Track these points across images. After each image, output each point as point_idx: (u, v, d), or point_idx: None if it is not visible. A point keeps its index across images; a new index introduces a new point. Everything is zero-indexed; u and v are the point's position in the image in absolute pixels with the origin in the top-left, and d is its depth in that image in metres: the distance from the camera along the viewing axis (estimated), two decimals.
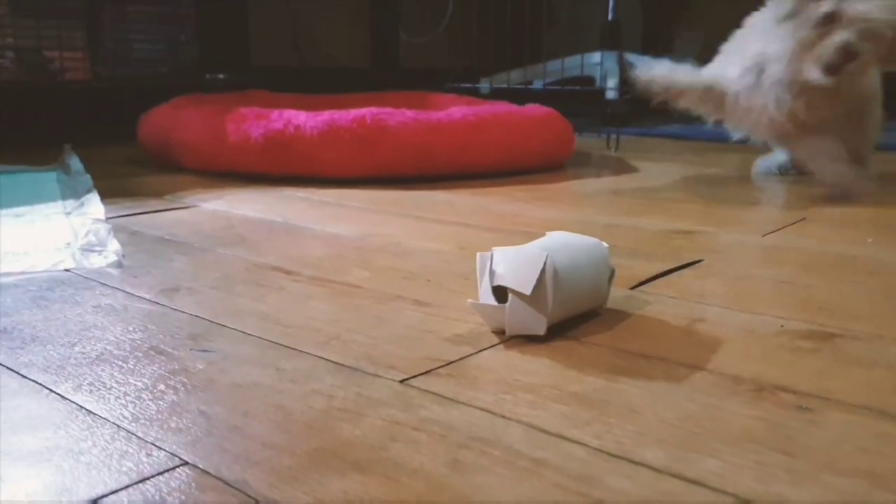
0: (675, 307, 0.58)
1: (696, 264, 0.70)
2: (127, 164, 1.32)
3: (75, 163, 1.17)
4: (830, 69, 0.94)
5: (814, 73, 0.95)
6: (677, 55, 2.57)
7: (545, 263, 0.50)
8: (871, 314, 0.56)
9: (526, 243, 0.54)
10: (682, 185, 1.16)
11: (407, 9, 2.42)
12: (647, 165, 1.38)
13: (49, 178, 1.11)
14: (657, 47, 2.48)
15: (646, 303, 0.59)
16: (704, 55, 2.58)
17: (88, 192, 0.97)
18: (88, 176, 1.07)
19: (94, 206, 0.90)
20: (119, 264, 0.68)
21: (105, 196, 0.99)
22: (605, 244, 0.56)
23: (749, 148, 1.28)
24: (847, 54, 0.93)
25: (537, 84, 2.09)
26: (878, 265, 0.70)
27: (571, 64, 2.08)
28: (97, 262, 0.69)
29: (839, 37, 0.93)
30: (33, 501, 0.32)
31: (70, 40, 1.64)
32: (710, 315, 0.56)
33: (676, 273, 0.67)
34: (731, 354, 0.49)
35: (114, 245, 0.73)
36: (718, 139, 1.71)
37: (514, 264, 0.51)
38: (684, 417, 0.40)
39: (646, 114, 2.26)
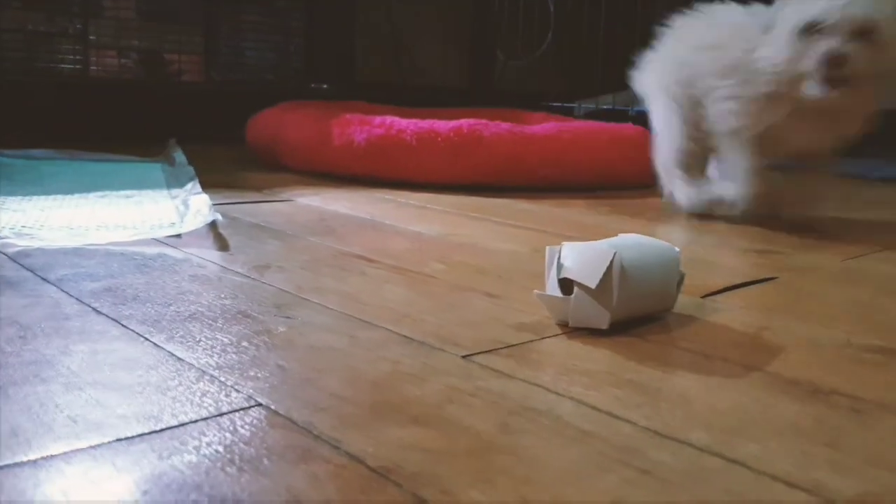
0: (743, 316, 0.59)
1: (771, 280, 0.70)
2: (232, 163, 1.39)
3: (179, 155, 1.25)
4: (826, 83, 0.84)
5: (812, 90, 0.85)
6: None
7: (612, 259, 0.52)
8: None
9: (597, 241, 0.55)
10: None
11: (506, 31, 2.46)
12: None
13: (155, 168, 1.19)
14: None
15: (715, 311, 0.60)
16: None
17: (191, 180, 1.04)
18: (192, 168, 1.13)
19: (197, 191, 0.96)
20: (214, 224, 0.73)
21: (207, 187, 1.05)
22: (676, 248, 0.58)
23: (853, 181, 1.25)
24: (835, 61, 0.83)
25: (636, 108, 2.09)
26: None
27: None
28: (197, 222, 0.74)
29: (822, 45, 0.84)
30: (124, 422, 0.36)
31: (189, 45, 1.75)
32: (776, 325, 0.57)
33: (750, 287, 0.68)
34: (793, 360, 0.49)
35: (214, 214, 0.78)
36: None
37: (582, 258, 0.53)
38: (734, 408, 0.41)
39: None
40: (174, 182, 1.05)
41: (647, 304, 0.55)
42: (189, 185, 1.00)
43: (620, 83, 2.42)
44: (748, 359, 0.49)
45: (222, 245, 0.74)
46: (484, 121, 1.22)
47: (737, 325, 0.56)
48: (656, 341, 0.52)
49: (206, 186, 1.04)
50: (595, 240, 0.56)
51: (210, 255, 0.69)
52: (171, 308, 0.54)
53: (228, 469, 0.33)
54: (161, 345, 0.47)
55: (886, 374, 0.47)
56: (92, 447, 0.34)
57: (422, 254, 0.75)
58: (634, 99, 2.10)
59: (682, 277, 0.58)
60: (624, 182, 1.29)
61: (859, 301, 0.65)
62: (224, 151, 1.54)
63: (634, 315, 0.55)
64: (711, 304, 0.62)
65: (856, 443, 0.38)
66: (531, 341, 0.50)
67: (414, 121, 1.23)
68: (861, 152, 2.05)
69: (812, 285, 0.69)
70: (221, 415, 0.38)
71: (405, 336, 0.50)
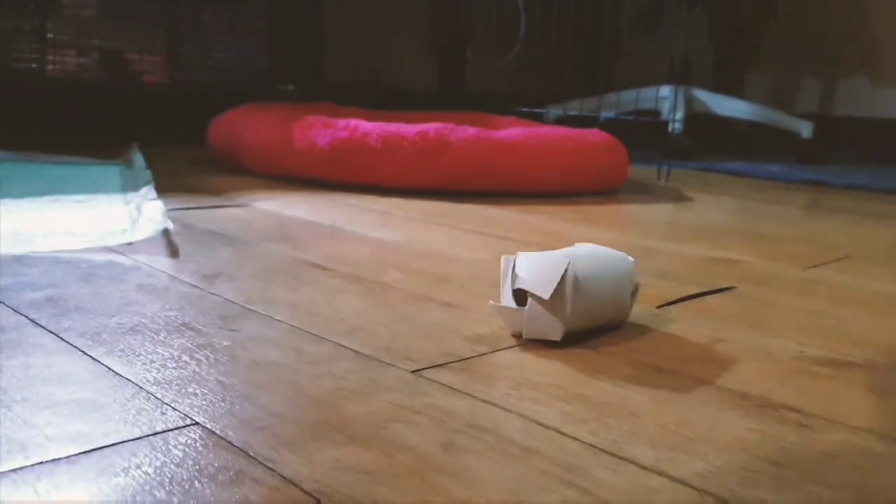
0: (698, 327, 0.58)
1: (729, 290, 0.70)
2: (192, 165, 1.37)
3: (138, 159, 1.23)
4: None
5: None
6: (747, 95, 2.55)
7: (566, 270, 0.51)
8: None
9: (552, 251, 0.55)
10: (733, 217, 1.15)
11: (477, 34, 2.46)
12: (702, 197, 1.37)
13: (113, 171, 1.17)
14: (727, 85, 2.46)
15: (669, 321, 0.59)
16: (774, 96, 2.55)
17: (147, 185, 1.02)
18: (149, 172, 1.11)
19: (152, 196, 0.94)
20: (166, 232, 0.71)
21: (164, 191, 1.03)
22: (630, 258, 0.57)
23: (820, 188, 1.26)
24: None
25: (605, 114, 2.10)
26: None
27: (638, 96, 2.08)
28: (149, 229, 0.72)
29: None
30: (52, 442, 0.35)
31: (151, 44, 1.72)
32: (730, 337, 0.56)
33: (707, 297, 0.67)
34: (744, 373, 0.49)
35: (166, 221, 0.77)
36: (781, 178, 1.69)
37: (537, 269, 0.52)
38: (681, 423, 0.41)
39: (709, 150, 2.24)
40: (130, 186, 1.03)
41: (601, 315, 0.55)
42: (144, 190, 0.98)
43: (588, 89, 2.43)
44: (699, 372, 0.49)
45: (173, 252, 0.72)
46: (451, 125, 1.21)
47: (690, 337, 0.56)
48: (608, 353, 0.51)
49: (164, 190, 1.03)
50: (559, 247, 0.56)
51: (160, 264, 0.68)
52: (114, 320, 0.52)
53: (157, 493, 0.31)
54: (99, 359, 0.45)
55: (835, 387, 0.47)
56: (13, 471, 0.32)
57: (381, 262, 0.73)
58: (602, 105, 2.11)
59: (636, 288, 0.57)
60: (589, 188, 1.29)
61: (814, 311, 0.65)
62: (187, 153, 1.52)
63: (588, 326, 0.54)
64: (666, 315, 0.61)
65: (801, 460, 0.37)
66: (484, 354, 0.50)
67: (379, 124, 1.21)
68: (826, 159, 2.07)
69: (769, 295, 0.69)
70: (155, 434, 0.36)
71: (354, 350, 0.49)
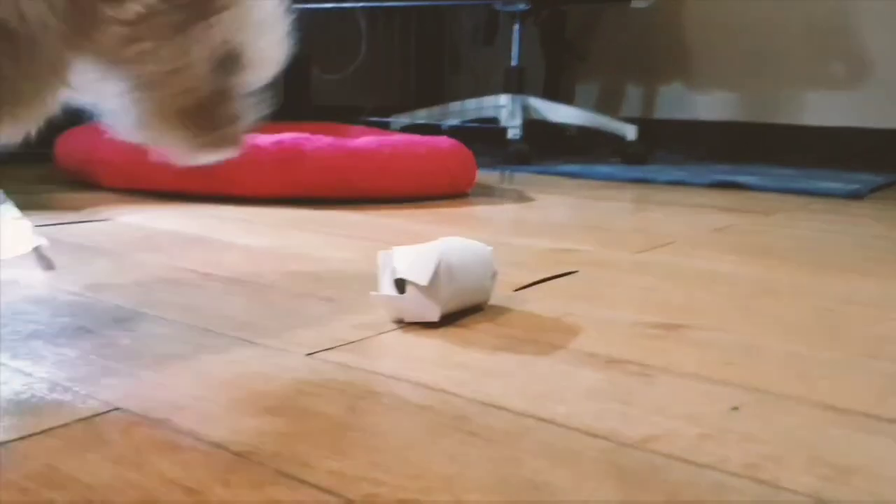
0: (549, 305, 0.66)
1: (573, 274, 0.79)
2: (40, 183, 1.34)
3: None
4: None
5: None
6: (577, 102, 2.72)
7: (440, 259, 0.58)
8: (715, 313, 0.66)
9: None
10: (572, 213, 1.27)
11: (321, 46, 2.50)
12: (543, 197, 1.48)
13: None
14: (558, 94, 2.63)
15: (525, 301, 0.67)
16: (601, 103, 2.73)
17: (2, 203, 1.00)
18: (0, 190, 1.09)
19: (12, 212, 0.93)
20: (45, 259, 0.72)
21: (22, 209, 1.02)
22: (489, 247, 0.65)
23: (646, 185, 1.39)
24: None
25: (447, 122, 2.20)
26: (731, 278, 0.80)
27: (478, 105, 2.19)
28: (23, 247, 0.73)
29: None
30: None
31: None
32: (577, 311, 0.65)
33: (554, 281, 0.76)
34: (590, 339, 0.57)
35: (38, 238, 0.77)
36: (611, 178, 1.84)
37: (413, 260, 0.58)
38: (544, 378, 0.48)
39: (545, 154, 2.39)
40: None
41: (470, 298, 0.62)
42: (2, 208, 0.96)
43: (431, 99, 2.52)
44: (554, 339, 0.56)
45: (48, 265, 0.73)
46: (305, 134, 1.26)
47: (544, 313, 0.64)
48: (478, 329, 0.58)
49: (22, 208, 1.01)
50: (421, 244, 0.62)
51: (37, 277, 0.69)
52: (8, 328, 0.54)
53: (103, 464, 0.35)
54: (6, 362, 0.47)
55: (667, 344, 0.56)
56: None
57: (256, 265, 0.77)
58: (446, 114, 2.21)
59: (495, 273, 0.65)
60: (441, 192, 1.37)
61: (646, 287, 0.75)
62: (30, 171, 1.47)
63: (459, 307, 0.61)
64: (522, 296, 0.69)
65: (643, 399, 0.46)
66: (370, 337, 0.55)
67: None
68: (649, 159, 2.26)
69: (608, 276, 0.79)
70: (81, 420, 0.40)
71: (249, 341, 0.54)
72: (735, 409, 0.45)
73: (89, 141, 1.30)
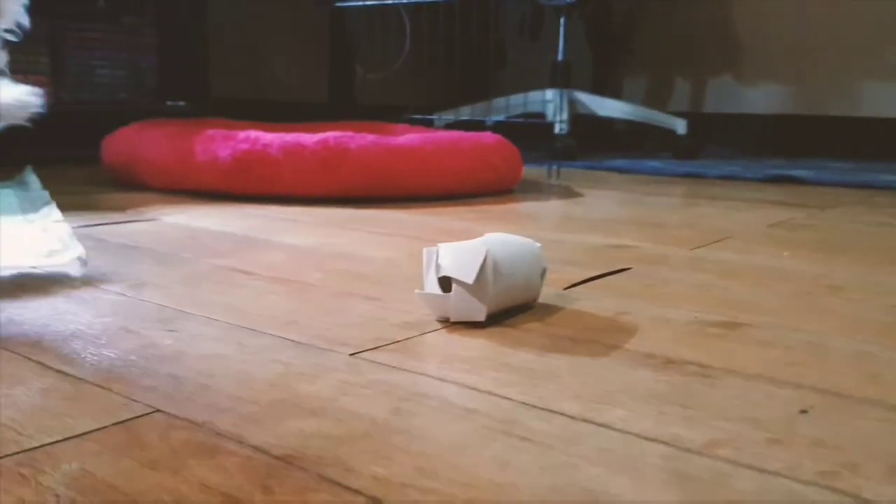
0: (602, 303, 0.64)
1: (626, 271, 0.76)
2: (88, 184, 1.35)
3: (33, 180, 1.20)
4: None
5: None
6: (625, 96, 2.68)
7: (486, 256, 0.55)
8: (776, 310, 0.63)
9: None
10: (622, 209, 1.23)
11: (364, 45, 2.50)
12: (591, 193, 1.45)
13: (7, 193, 1.15)
14: (606, 87, 2.59)
15: (576, 300, 0.65)
16: (649, 96, 2.69)
17: (46, 204, 1.01)
18: (46, 192, 1.10)
19: (54, 215, 0.93)
20: (83, 262, 0.72)
21: (66, 210, 1.02)
22: (537, 243, 0.62)
23: (698, 179, 1.36)
24: None
25: (492, 118, 2.18)
26: (790, 274, 0.77)
27: (524, 100, 2.17)
28: (60, 260, 0.73)
29: None
30: (27, 438, 0.37)
31: (33, 64, 1.68)
32: (632, 309, 0.62)
33: (607, 278, 0.73)
34: (648, 338, 0.55)
35: (76, 245, 0.77)
36: (661, 173, 1.80)
37: (458, 257, 0.56)
38: (599, 380, 0.46)
39: (593, 149, 2.35)
40: (29, 207, 1.02)
41: (517, 296, 0.60)
42: (45, 210, 0.97)
43: (476, 95, 2.50)
44: (609, 339, 0.54)
45: (92, 265, 0.73)
46: (349, 133, 1.25)
47: (597, 311, 0.61)
48: (527, 329, 0.56)
49: (66, 209, 1.02)
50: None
51: (81, 278, 0.68)
52: (50, 328, 0.53)
53: (139, 469, 0.34)
54: (46, 363, 0.47)
55: (728, 344, 0.54)
56: (5, 457, 0.34)
57: (299, 264, 0.76)
58: (491, 109, 2.19)
59: (544, 270, 0.62)
60: (486, 189, 1.35)
61: (703, 284, 0.72)
62: (79, 173, 1.49)
63: (507, 306, 0.59)
64: (573, 295, 0.67)
65: (705, 402, 0.43)
66: (414, 337, 0.54)
67: (279, 134, 1.24)
68: (699, 153, 2.21)
69: (663, 273, 0.76)
70: (124, 422, 0.39)
71: (292, 340, 0.52)
72: (804, 412, 0.42)
73: (135, 142, 1.31)
